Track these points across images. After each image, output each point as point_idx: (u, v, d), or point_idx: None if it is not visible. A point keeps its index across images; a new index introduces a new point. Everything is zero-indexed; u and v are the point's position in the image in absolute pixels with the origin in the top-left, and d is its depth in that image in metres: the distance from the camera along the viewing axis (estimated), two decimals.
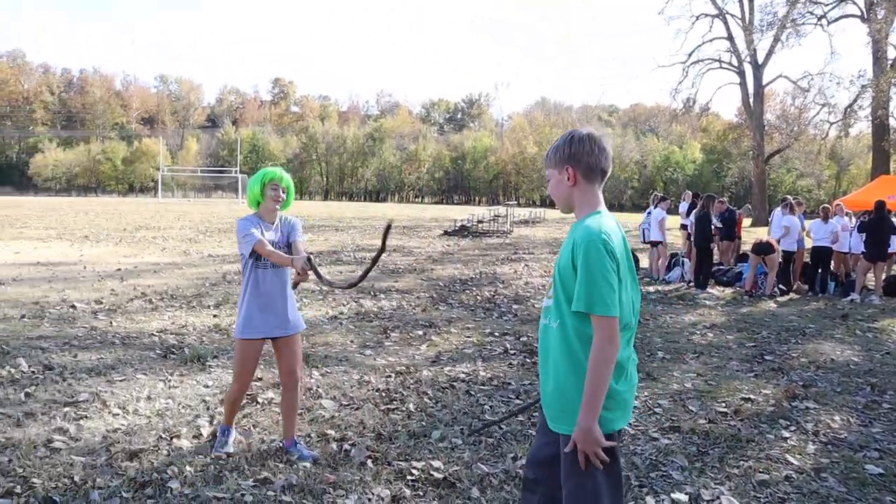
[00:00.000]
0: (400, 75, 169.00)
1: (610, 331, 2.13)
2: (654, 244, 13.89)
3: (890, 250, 12.29)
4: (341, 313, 8.66)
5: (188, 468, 3.71)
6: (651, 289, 12.10)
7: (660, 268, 13.68)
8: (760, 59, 40.44)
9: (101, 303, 8.82)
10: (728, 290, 12.23)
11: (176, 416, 4.60)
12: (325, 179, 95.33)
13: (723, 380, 6.19)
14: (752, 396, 5.68)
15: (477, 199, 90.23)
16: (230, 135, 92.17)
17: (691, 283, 12.79)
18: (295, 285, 4.00)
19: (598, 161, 2.32)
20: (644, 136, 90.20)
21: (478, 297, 10.33)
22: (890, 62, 32.19)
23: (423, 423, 4.62)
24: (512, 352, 6.91)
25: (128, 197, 79.39)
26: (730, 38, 41.24)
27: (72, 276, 11.29)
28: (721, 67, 43.01)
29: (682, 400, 5.51)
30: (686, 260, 13.90)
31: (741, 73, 41.61)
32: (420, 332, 7.65)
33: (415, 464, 3.89)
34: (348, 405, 4.98)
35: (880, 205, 12.07)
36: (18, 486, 3.41)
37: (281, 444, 4.10)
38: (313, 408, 4.87)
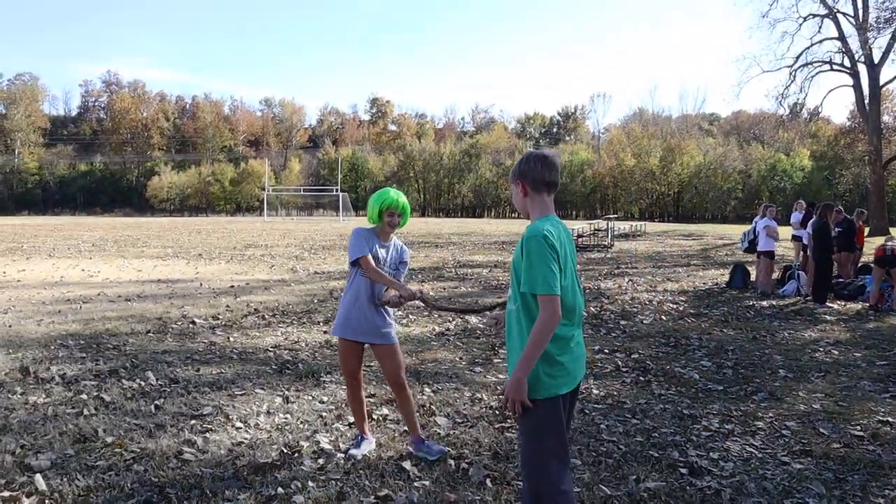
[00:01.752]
0: (495, 90, 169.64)
1: (552, 306, 2.59)
2: (760, 255, 13.25)
3: None
4: (448, 329, 8.68)
5: (311, 483, 3.77)
6: (765, 303, 11.57)
7: (768, 281, 13.01)
8: (876, 59, 38.23)
9: (218, 318, 9.18)
10: (850, 305, 11.55)
11: (295, 431, 4.69)
12: (422, 196, 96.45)
13: (854, 401, 5.81)
14: (890, 419, 5.31)
15: (574, 212, 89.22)
16: (330, 154, 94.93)
17: (808, 298, 12.16)
18: (382, 303, 4.12)
19: (542, 176, 2.83)
20: (748, 145, 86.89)
21: (585, 314, 10.13)
22: None
23: None
24: (624, 369, 6.73)
25: (235, 216, 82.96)
26: (841, 37, 39.20)
27: (189, 292, 11.82)
28: (832, 69, 40.96)
29: (812, 422, 5.21)
30: (802, 273, 13.23)
31: (855, 74, 39.41)
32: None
33: None
34: (462, 423, 4.96)
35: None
36: (155, 496, 3.55)
37: (398, 461, 4.12)
38: (428, 425, 4.87)
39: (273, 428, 4.78)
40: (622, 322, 9.45)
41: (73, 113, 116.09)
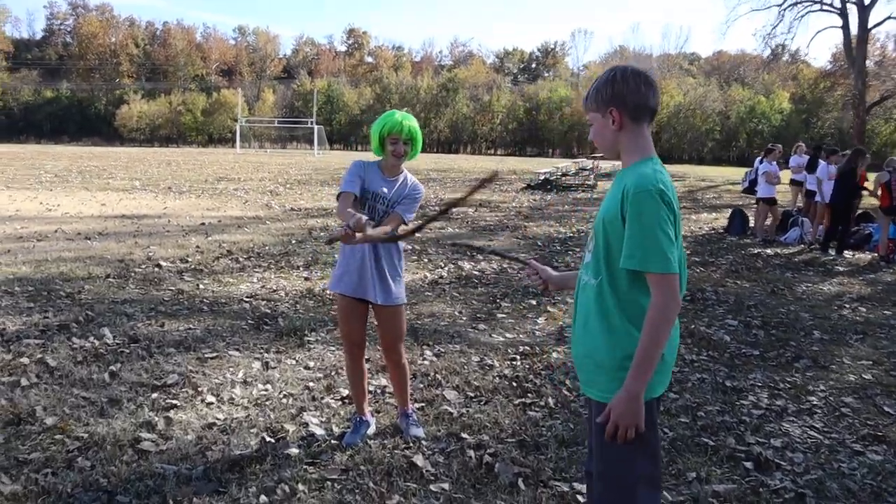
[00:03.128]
0: (474, 24, 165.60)
1: (671, 289, 1.89)
2: (760, 200, 12.56)
3: None
4: (441, 277, 7.91)
5: (301, 486, 3.01)
6: (770, 252, 10.95)
7: (767, 228, 12.36)
8: (867, 0, 37.29)
9: (187, 261, 8.30)
10: (858, 255, 10.97)
11: (278, 409, 3.92)
12: None
13: None
14: None
15: (551, 150, 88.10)
16: (305, 86, 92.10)
17: (813, 246, 11.57)
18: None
19: (645, 99, 2.05)
20: (728, 86, 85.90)
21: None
22: None
23: (571, 426, 3.81)
24: None
25: (207, 148, 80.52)
26: None
27: (157, 230, 10.88)
28: (822, 10, 39.96)
29: (870, 397, 4.56)
30: (805, 220, 12.60)
31: (844, 15, 38.51)
32: (533, 302, 6.83)
33: (578, 486, 3.10)
34: (475, 398, 4.22)
35: None
36: None
37: (406, 452, 3.39)
38: (435, 401, 4.12)
39: (251, 403, 4.00)
40: None
41: (38, 36, 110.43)
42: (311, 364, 4.70)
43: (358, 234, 2.92)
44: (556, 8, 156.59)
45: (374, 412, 3.83)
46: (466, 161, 51.12)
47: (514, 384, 4.45)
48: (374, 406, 3.97)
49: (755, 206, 13.20)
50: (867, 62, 44.75)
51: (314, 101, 73.32)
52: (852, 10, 37.75)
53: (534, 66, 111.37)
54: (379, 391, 4.25)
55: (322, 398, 4.10)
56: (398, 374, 3.64)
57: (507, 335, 5.65)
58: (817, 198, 12.10)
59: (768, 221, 12.42)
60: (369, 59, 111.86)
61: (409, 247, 9.70)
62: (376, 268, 3.41)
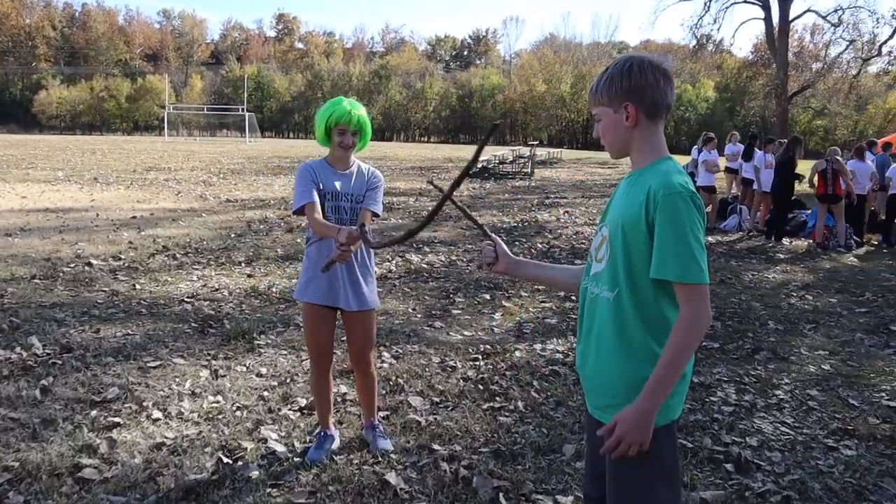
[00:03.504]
0: (406, 10, 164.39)
1: (704, 301, 1.71)
2: (700, 189, 12.76)
3: None
4: (390, 272, 7.67)
5: None
6: (711, 240, 11.09)
7: (707, 215, 12.56)
8: None
9: (120, 258, 7.83)
10: (796, 242, 11.21)
11: (232, 423, 3.63)
12: None
13: (862, 359, 5.22)
14: None
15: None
16: (235, 72, 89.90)
17: (752, 233, 11.80)
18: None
19: (663, 95, 1.85)
20: None
21: (532, 251, 9.32)
22: None
23: (545, 431, 3.65)
24: None
25: (133, 135, 77.74)
26: None
27: (84, 224, 10.28)
28: (746, 1, 41.06)
29: (833, 389, 4.56)
30: (743, 207, 12.84)
31: (766, 8, 39.66)
32: (487, 297, 6.67)
33: (561, 499, 2.94)
34: (441, 403, 4.01)
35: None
36: None
37: (377, 467, 3.16)
38: (400, 408, 3.90)
39: (202, 418, 3.70)
40: (577, 261, 8.66)
41: None
42: (264, 371, 4.41)
43: (353, 247, 2.70)
44: None
45: (336, 423, 3.58)
46: (401, 149, 50.72)
47: (481, 387, 4.26)
48: (336, 416, 3.73)
49: None
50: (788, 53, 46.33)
51: (244, 87, 71.59)
52: (774, 3, 38.93)
53: (466, 53, 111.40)
54: (339, 399, 4.01)
55: (279, 409, 3.82)
56: (366, 383, 3.41)
57: (465, 333, 5.47)
58: (755, 185, 12.31)
59: (708, 209, 12.59)
60: (300, 46, 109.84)
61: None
62: (347, 271, 3.17)
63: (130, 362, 4.48)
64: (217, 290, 6.53)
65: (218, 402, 3.90)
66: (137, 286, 6.58)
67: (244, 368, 4.44)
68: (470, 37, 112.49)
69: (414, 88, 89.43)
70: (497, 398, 4.09)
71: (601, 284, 1.90)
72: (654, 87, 1.83)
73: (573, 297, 6.72)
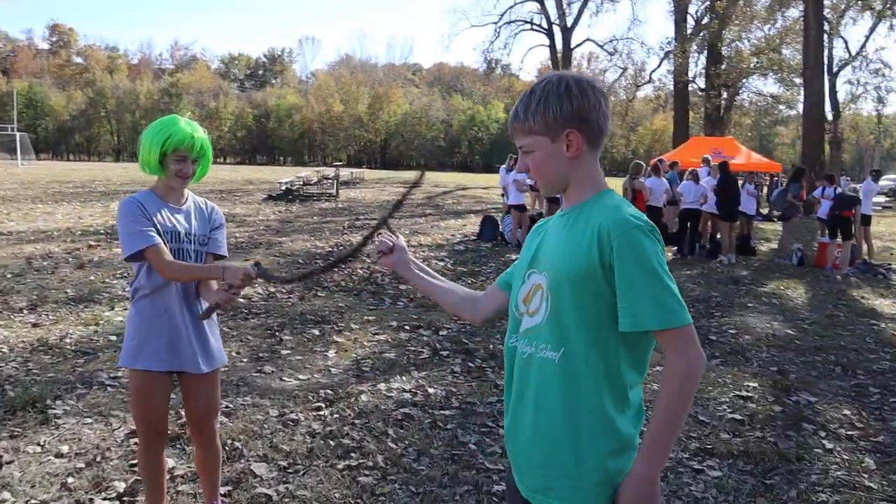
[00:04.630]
0: (196, 26, 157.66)
1: (694, 343, 1.49)
2: (511, 208, 13.08)
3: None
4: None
5: None
6: None
7: (520, 233, 12.86)
8: (569, 23, 41.56)
9: None
10: None
11: None
12: (116, 138, 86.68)
13: None
14: (745, 394, 4.91)
15: (282, 159, 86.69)
16: (1, 87, 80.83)
17: None
18: (210, 311, 2.53)
19: (605, 119, 1.62)
20: (449, 96, 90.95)
21: (354, 278, 8.90)
22: (689, 31, 34.10)
23: (416, 490, 3.26)
24: (444, 352, 5.64)
25: None
26: (540, 0, 42.00)
27: None
28: (532, 29, 43.80)
29: None
30: None
31: (551, 35, 42.64)
32: (316, 332, 6.15)
33: None
34: (290, 467, 3.47)
35: (725, 165, 12.21)
36: None
37: None
38: (243, 480, 3.31)
39: None
40: (402, 287, 8.37)
41: None
42: (65, 448, 3.60)
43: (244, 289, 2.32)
44: (283, 13, 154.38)
45: None
46: None
47: (332, 442, 3.78)
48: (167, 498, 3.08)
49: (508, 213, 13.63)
50: None
51: (14, 104, 64.40)
52: (558, 32, 41.88)
53: (261, 72, 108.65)
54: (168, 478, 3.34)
55: (90, 500, 3.09)
56: (210, 458, 2.84)
57: (300, 377, 4.93)
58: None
59: (520, 228, 12.87)
60: (78, 60, 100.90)
61: None
62: (193, 324, 2.61)
63: None
64: None
65: (5, 500, 3.09)
66: None
67: (38, 448, 3.60)
68: (265, 56, 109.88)
69: (207, 108, 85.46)
70: (352, 454, 3.63)
71: (538, 343, 1.61)
72: (597, 111, 1.60)
73: (407, 327, 6.40)
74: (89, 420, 3.97)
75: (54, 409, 4.10)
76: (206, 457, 2.85)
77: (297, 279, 2.27)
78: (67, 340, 5.54)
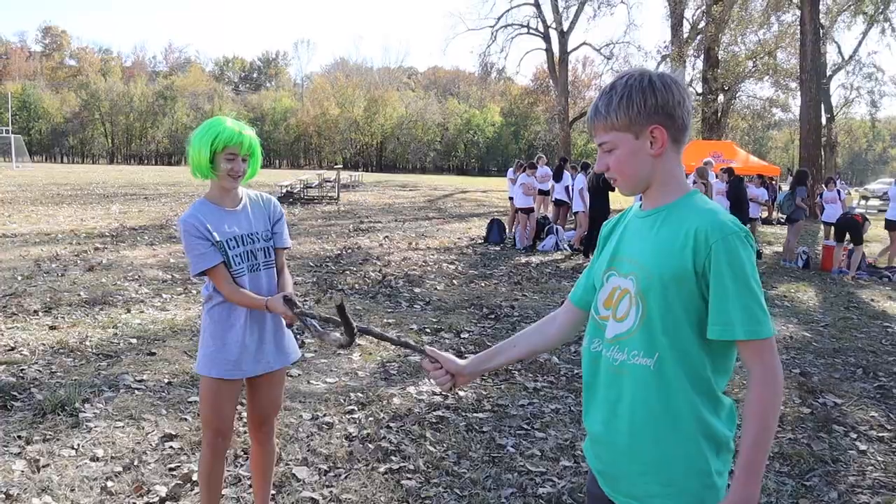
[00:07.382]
0: (190, 29, 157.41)
1: (775, 355, 1.48)
2: (518, 210, 13.12)
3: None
4: None
5: None
6: (535, 260, 11.31)
7: (528, 235, 12.87)
8: (566, 27, 41.62)
9: None
10: None
11: None
12: (109, 141, 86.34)
13: None
14: None
15: (278, 162, 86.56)
16: None
17: (577, 251, 12.28)
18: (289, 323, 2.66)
19: (689, 115, 1.58)
20: (445, 99, 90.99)
21: (367, 280, 8.87)
22: (685, 35, 34.20)
23: (461, 493, 3.24)
24: (468, 356, 5.59)
25: None
26: (536, 4, 42.08)
27: None
28: (529, 33, 43.84)
29: None
30: (559, 227, 13.32)
31: (547, 39, 42.66)
32: (337, 334, 6.11)
33: None
34: (331, 471, 3.45)
35: (731, 171, 12.31)
36: None
37: None
38: (286, 483, 3.29)
39: None
40: (416, 290, 8.35)
41: None
42: (100, 452, 3.57)
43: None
44: (276, 16, 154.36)
45: None
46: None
47: (370, 445, 3.76)
48: None
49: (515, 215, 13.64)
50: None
51: (7, 106, 64.18)
52: (554, 36, 41.91)
53: (256, 75, 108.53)
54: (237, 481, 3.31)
55: (130, 501, 3.07)
56: (266, 455, 2.85)
57: (328, 380, 4.91)
58: (577, 207, 12.73)
59: (526, 231, 12.89)
60: (72, 62, 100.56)
61: (169, 276, 8.43)
62: (268, 323, 2.66)
63: None
64: (13, 348, 5.38)
65: None
66: None
67: (72, 451, 3.57)
68: (259, 59, 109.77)
69: (202, 110, 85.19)
70: (392, 457, 3.61)
71: (629, 349, 1.56)
72: (682, 106, 1.56)
73: (428, 330, 6.39)
74: (120, 423, 3.93)
75: (84, 412, 4.06)
76: (262, 454, 2.83)
77: (330, 321, 2.30)
78: (88, 343, 5.50)
